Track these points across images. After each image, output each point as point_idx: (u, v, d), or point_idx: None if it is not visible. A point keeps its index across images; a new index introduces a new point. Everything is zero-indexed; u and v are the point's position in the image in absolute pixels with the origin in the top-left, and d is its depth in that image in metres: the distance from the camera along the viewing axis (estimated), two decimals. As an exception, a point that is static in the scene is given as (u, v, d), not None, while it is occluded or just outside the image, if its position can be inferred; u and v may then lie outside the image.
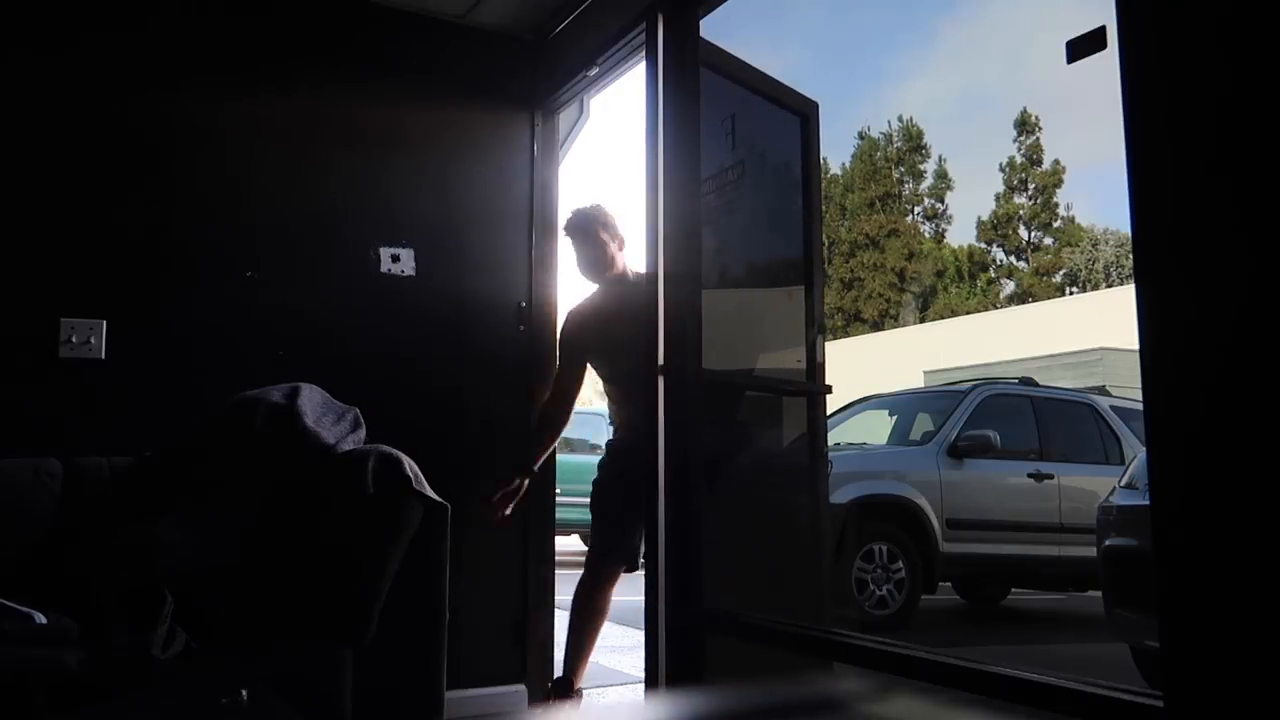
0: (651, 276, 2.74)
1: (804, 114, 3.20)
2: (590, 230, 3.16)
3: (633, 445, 3.06)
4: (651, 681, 2.64)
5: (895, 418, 7.64)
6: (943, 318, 27.40)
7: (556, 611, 3.35)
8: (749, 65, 2.98)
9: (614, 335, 3.12)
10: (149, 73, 2.87)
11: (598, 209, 3.20)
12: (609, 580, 3.12)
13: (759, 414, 3.16)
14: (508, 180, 3.35)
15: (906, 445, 7.03)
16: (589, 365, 3.26)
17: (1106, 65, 1.57)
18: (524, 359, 3.33)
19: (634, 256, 3.19)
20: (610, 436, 3.35)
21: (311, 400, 2.45)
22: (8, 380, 2.61)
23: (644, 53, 2.85)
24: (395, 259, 3.14)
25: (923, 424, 7.25)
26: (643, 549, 3.14)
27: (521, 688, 3.22)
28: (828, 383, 3.14)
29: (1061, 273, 32.71)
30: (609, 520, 3.13)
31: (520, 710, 3.12)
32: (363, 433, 2.53)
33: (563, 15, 3.31)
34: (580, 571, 3.16)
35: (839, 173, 35.14)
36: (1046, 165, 32.66)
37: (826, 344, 3.19)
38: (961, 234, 34.77)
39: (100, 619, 2.01)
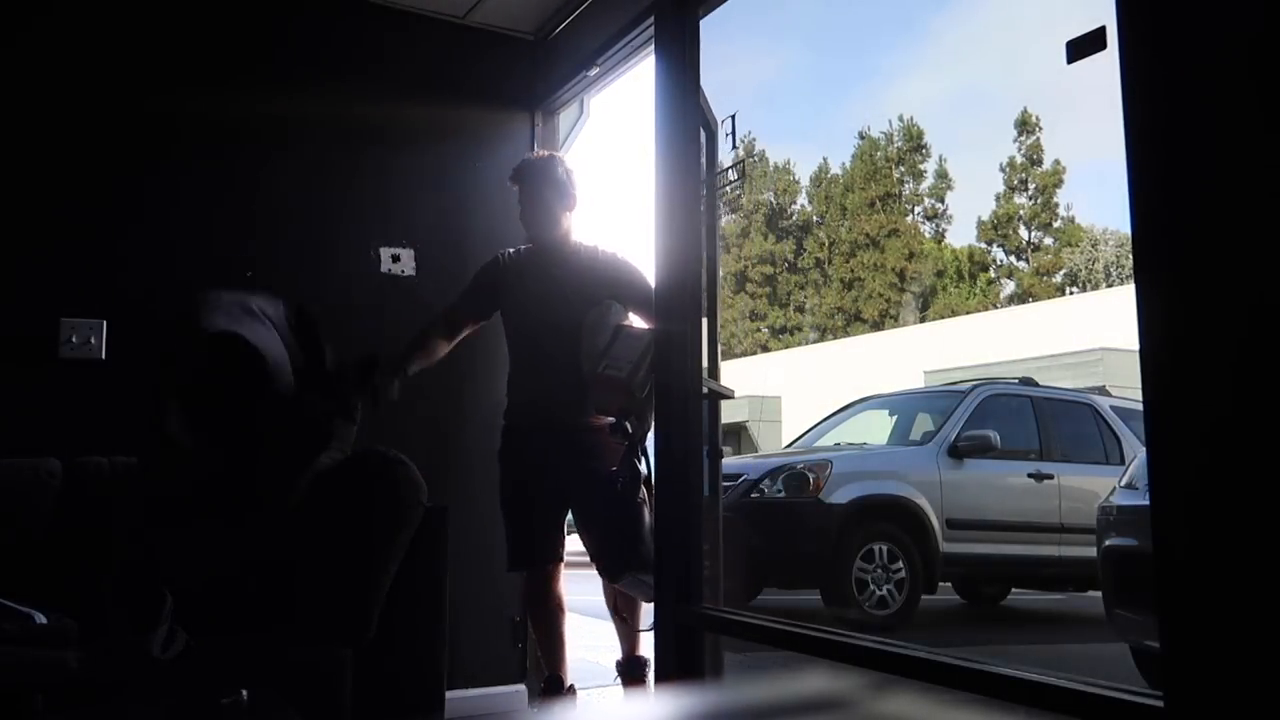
0: (661, 273, 2.74)
1: (711, 130, 3.19)
2: (538, 181, 2.89)
3: (544, 425, 2.82)
4: (658, 680, 2.65)
5: (895, 418, 7.65)
6: (943, 318, 27.37)
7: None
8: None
9: (544, 297, 2.85)
10: (149, 72, 2.87)
11: (553, 160, 2.96)
12: (551, 579, 2.90)
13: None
14: (508, 180, 3.35)
15: (906, 445, 7.04)
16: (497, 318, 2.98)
17: (1107, 65, 1.57)
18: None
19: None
20: (508, 410, 2.98)
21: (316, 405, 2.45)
22: (8, 380, 2.62)
23: (648, 50, 2.87)
24: (395, 259, 3.15)
25: (923, 424, 7.25)
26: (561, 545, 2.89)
27: (522, 688, 3.23)
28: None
29: (1061, 273, 32.70)
30: (533, 517, 2.85)
31: (520, 710, 3.12)
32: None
33: (563, 15, 3.31)
34: (582, 570, 3.15)
35: (839, 172, 35.14)
36: (1047, 165, 32.64)
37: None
38: (961, 234, 34.78)
39: (100, 619, 2.02)
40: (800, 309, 34.52)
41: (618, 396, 2.61)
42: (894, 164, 34.57)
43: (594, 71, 3.23)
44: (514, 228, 3.32)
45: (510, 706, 3.12)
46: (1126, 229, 1.40)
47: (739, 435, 21.30)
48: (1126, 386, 7.88)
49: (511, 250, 3.02)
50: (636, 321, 2.83)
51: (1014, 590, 7.55)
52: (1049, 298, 27.65)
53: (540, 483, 2.81)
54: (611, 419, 2.68)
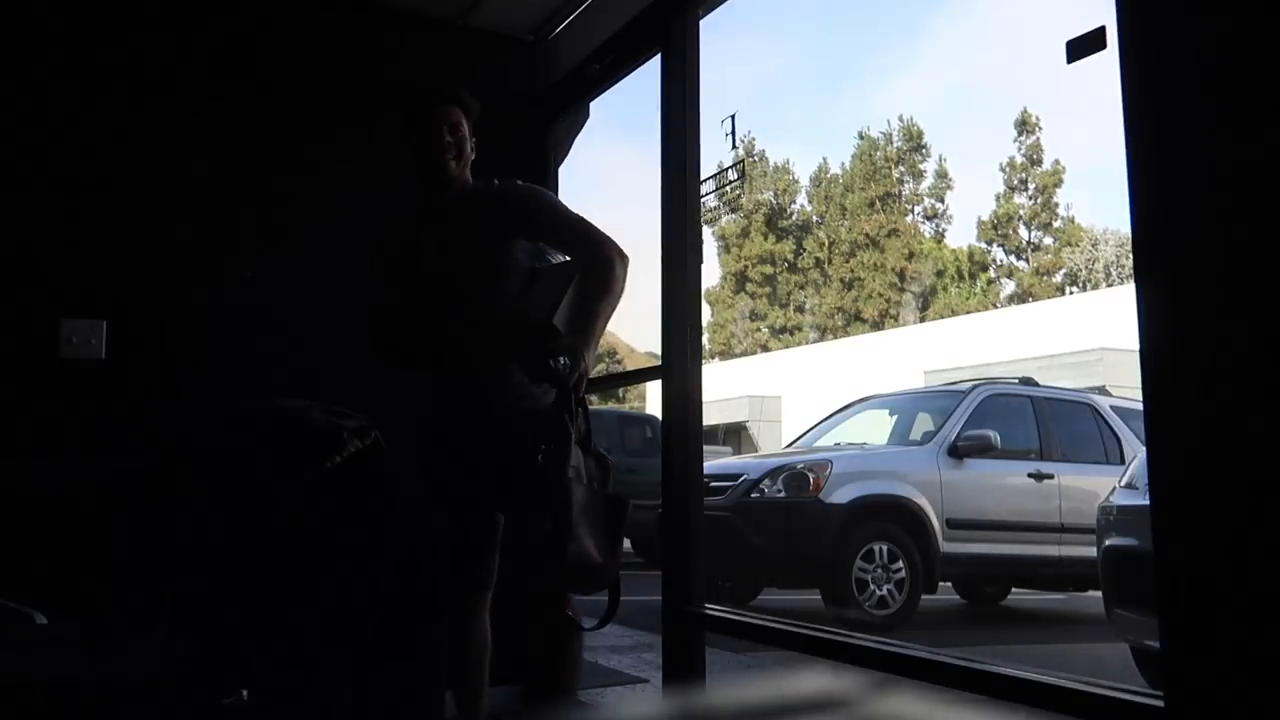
0: (664, 269, 2.73)
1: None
2: (464, 113, 2.34)
3: (450, 412, 2.26)
4: (666, 679, 2.65)
5: (895, 418, 7.65)
6: (943, 318, 27.38)
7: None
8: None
9: (435, 250, 2.27)
10: (150, 72, 2.87)
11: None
12: (479, 608, 2.26)
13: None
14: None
15: (906, 445, 7.03)
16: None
17: (1107, 65, 1.57)
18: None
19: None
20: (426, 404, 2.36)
21: (318, 408, 2.46)
22: (8, 380, 2.61)
23: (648, 50, 2.87)
24: (395, 259, 3.14)
25: (923, 424, 7.25)
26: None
27: (520, 688, 3.22)
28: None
29: (1061, 273, 32.70)
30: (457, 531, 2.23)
31: (519, 710, 3.11)
32: (368, 439, 2.53)
33: (563, 15, 3.31)
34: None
35: (839, 172, 35.14)
36: (1046, 165, 32.65)
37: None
38: (961, 234, 34.78)
39: (100, 619, 2.02)
40: (800, 309, 34.52)
41: (541, 336, 2.07)
42: (894, 164, 34.56)
43: (594, 71, 3.23)
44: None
45: (509, 706, 3.12)
46: (1126, 229, 1.40)
47: (739, 435, 21.31)
48: (1126, 386, 7.88)
49: (382, 232, 2.48)
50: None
51: (1014, 590, 7.55)
52: (1049, 298, 27.66)
53: (460, 487, 2.23)
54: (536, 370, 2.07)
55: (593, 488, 2.08)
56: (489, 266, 2.21)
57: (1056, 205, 32.91)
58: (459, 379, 2.24)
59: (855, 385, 11.92)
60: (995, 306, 30.58)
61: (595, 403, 10.53)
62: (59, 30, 2.77)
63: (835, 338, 29.00)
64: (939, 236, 34.82)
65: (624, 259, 2.22)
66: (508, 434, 2.14)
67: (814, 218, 35.21)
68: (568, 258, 2.28)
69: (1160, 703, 1.38)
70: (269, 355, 2.89)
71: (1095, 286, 29.57)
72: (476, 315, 2.19)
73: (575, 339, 2.06)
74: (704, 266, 2.74)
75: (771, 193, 35.01)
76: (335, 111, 3.12)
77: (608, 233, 2.25)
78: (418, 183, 2.33)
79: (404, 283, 2.33)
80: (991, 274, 33.93)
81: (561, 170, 3.56)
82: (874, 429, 7.73)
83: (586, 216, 2.29)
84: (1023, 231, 33.36)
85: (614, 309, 2.19)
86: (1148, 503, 1.40)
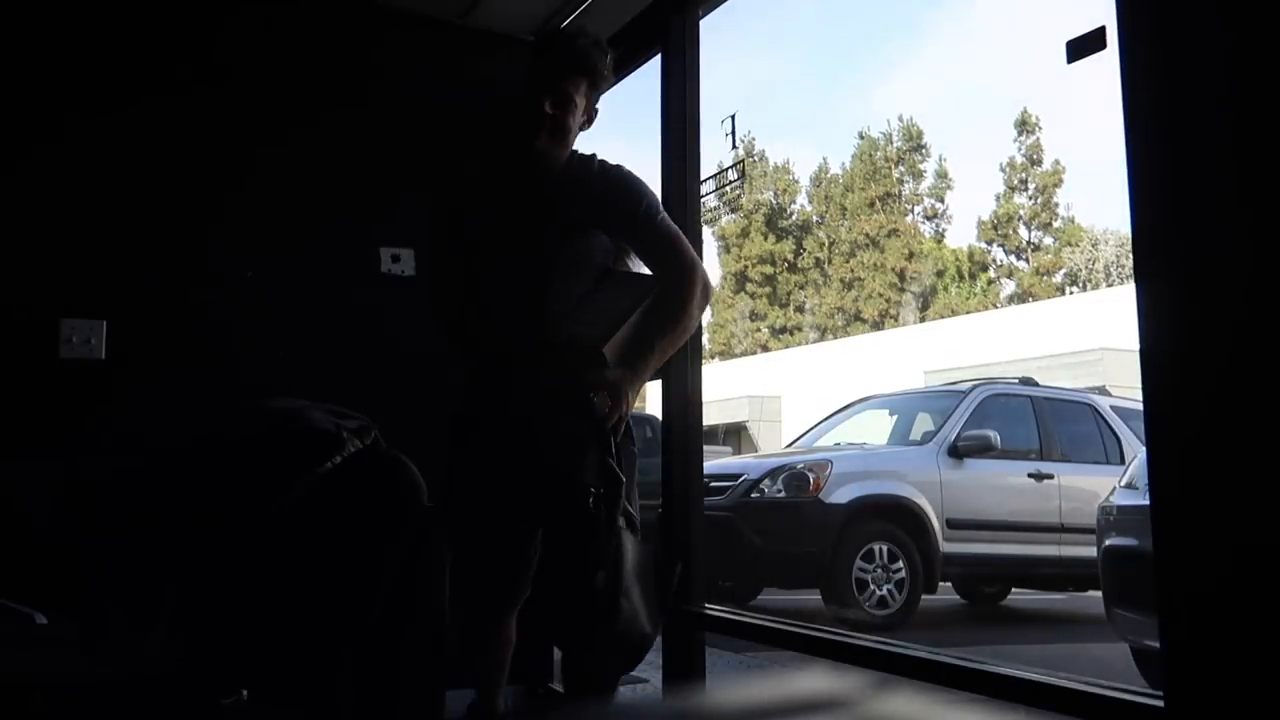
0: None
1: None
2: (590, 82, 2.06)
3: (504, 412, 2.00)
4: (666, 679, 2.65)
5: (895, 418, 7.65)
6: (943, 318, 27.38)
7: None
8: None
9: (510, 230, 2.01)
10: (148, 71, 2.87)
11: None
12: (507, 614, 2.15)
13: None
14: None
15: (906, 445, 7.04)
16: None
17: (1107, 65, 1.57)
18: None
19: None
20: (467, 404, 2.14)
21: (318, 407, 2.46)
22: (8, 380, 2.61)
23: (649, 50, 2.87)
24: (395, 259, 3.14)
25: (923, 424, 7.25)
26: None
27: (522, 688, 3.22)
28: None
29: (1061, 273, 32.70)
30: (500, 544, 2.05)
31: (519, 710, 3.12)
32: (369, 439, 2.53)
33: (563, 16, 3.31)
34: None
35: (839, 172, 35.15)
36: (1047, 165, 32.65)
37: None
38: (961, 234, 34.79)
39: (100, 619, 2.02)
40: (800, 309, 34.52)
41: (582, 366, 1.85)
42: (894, 164, 34.56)
43: (594, 71, 3.23)
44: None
45: (509, 706, 3.12)
46: (1126, 229, 1.40)
47: (739, 435, 21.31)
48: (1126, 386, 7.88)
49: (463, 182, 2.24)
50: (638, 266, 2.07)
51: (1014, 590, 7.56)
52: (1049, 298, 27.66)
53: (505, 497, 2.00)
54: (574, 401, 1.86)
55: (644, 543, 1.86)
56: (558, 257, 1.96)
57: (1056, 205, 32.91)
58: (505, 375, 2.00)
59: (855, 385, 11.93)
60: (995, 306, 30.58)
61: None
62: (58, 30, 2.77)
63: (835, 338, 29.00)
64: (939, 236, 34.81)
65: (706, 294, 2.02)
66: (549, 449, 1.92)
67: (814, 218, 35.20)
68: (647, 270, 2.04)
69: (1160, 703, 1.38)
70: (269, 355, 2.89)
71: (1095, 286, 29.57)
72: (533, 310, 1.95)
73: (621, 373, 1.86)
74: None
75: (771, 193, 35.01)
76: (335, 112, 3.12)
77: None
78: (508, 145, 2.09)
79: (471, 263, 2.06)
80: (991, 274, 33.93)
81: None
82: (874, 429, 7.73)
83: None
84: (1023, 231, 33.36)
85: (676, 348, 2.01)
86: (1148, 503, 1.40)
